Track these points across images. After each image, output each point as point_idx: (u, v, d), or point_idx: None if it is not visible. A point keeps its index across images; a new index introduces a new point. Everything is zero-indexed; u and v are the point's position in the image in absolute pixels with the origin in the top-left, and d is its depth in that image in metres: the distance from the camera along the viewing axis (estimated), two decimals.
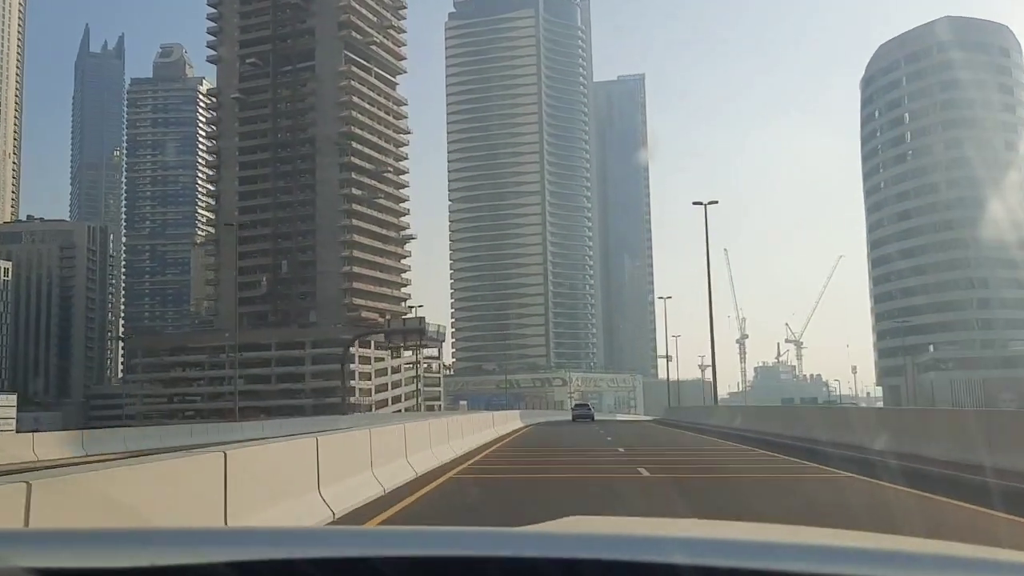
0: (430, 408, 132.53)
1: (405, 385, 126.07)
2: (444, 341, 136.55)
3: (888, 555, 1.33)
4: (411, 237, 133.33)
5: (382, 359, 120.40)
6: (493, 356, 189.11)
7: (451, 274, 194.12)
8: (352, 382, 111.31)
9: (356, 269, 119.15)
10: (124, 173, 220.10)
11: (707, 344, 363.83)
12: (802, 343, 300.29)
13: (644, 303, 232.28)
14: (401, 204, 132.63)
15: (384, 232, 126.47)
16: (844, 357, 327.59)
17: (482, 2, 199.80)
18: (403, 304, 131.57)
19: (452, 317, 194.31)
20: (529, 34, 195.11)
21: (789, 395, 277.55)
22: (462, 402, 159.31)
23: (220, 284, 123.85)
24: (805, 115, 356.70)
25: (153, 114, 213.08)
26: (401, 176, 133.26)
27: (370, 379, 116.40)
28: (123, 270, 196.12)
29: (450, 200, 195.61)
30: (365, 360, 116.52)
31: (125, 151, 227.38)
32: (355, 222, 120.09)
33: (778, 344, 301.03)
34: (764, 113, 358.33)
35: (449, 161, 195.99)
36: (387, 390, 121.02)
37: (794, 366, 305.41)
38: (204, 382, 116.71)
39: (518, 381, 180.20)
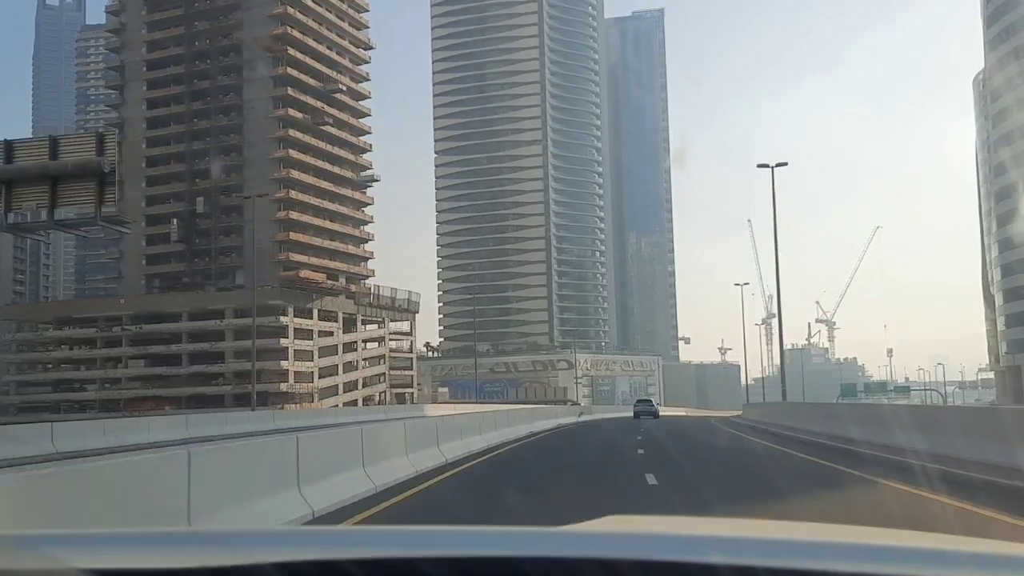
0: (400, 398, 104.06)
1: (363, 368, 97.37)
2: (418, 312, 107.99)
3: (929, 554, 1.31)
4: (373, 179, 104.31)
5: (331, 334, 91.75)
6: (487, 335, 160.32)
7: (437, 239, 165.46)
8: (285, 363, 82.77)
9: (295, 215, 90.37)
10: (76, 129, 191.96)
11: (732, 325, 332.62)
12: (834, 323, 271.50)
13: (663, 277, 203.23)
14: (361, 138, 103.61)
15: (335, 170, 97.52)
16: (881, 338, 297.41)
17: None
18: (363, 265, 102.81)
19: (439, 289, 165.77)
20: None
21: (828, 382, 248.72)
22: (442, 389, 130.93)
23: (122, 239, 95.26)
24: (837, 77, 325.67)
25: (105, 64, 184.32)
26: (361, 102, 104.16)
27: (312, 359, 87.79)
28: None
29: (436, 151, 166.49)
30: (305, 334, 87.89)
31: (74, 107, 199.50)
32: (293, 154, 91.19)
33: (808, 324, 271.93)
34: (800, 68, 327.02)
35: (435, 106, 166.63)
36: (337, 374, 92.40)
37: (826, 348, 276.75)
38: (96, 364, 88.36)
39: (515, 364, 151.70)
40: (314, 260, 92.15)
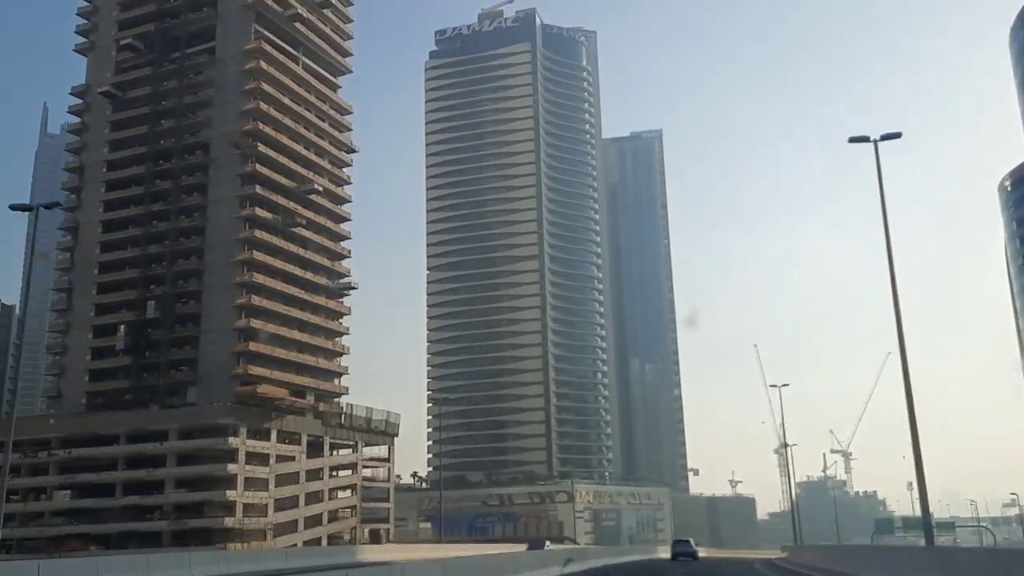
0: (374, 536, 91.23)
1: (331, 499, 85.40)
2: (396, 435, 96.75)
3: None
4: (350, 287, 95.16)
5: (292, 459, 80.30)
6: (480, 463, 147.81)
7: (428, 359, 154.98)
8: (233, 494, 71.27)
9: (258, 324, 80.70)
10: None
11: (739, 456, 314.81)
12: (850, 453, 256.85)
13: (669, 402, 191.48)
14: (340, 243, 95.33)
15: (307, 276, 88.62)
16: (900, 470, 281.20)
17: (468, 38, 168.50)
18: (336, 381, 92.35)
19: (428, 413, 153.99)
20: (524, 71, 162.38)
21: (848, 517, 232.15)
22: (424, 525, 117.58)
23: (67, 352, 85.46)
24: (840, 199, 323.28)
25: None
26: (342, 206, 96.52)
27: (267, 489, 76.02)
28: None
29: (428, 268, 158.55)
30: (261, 460, 76.59)
31: None
32: (259, 256, 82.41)
33: (824, 455, 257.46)
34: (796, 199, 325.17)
35: (428, 221, 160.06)
36: (298, 506, 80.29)
37: (844, 480, 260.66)
38: (18, 496, 76.46)
39: (511, 496, 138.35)
40: (277, 374, 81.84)
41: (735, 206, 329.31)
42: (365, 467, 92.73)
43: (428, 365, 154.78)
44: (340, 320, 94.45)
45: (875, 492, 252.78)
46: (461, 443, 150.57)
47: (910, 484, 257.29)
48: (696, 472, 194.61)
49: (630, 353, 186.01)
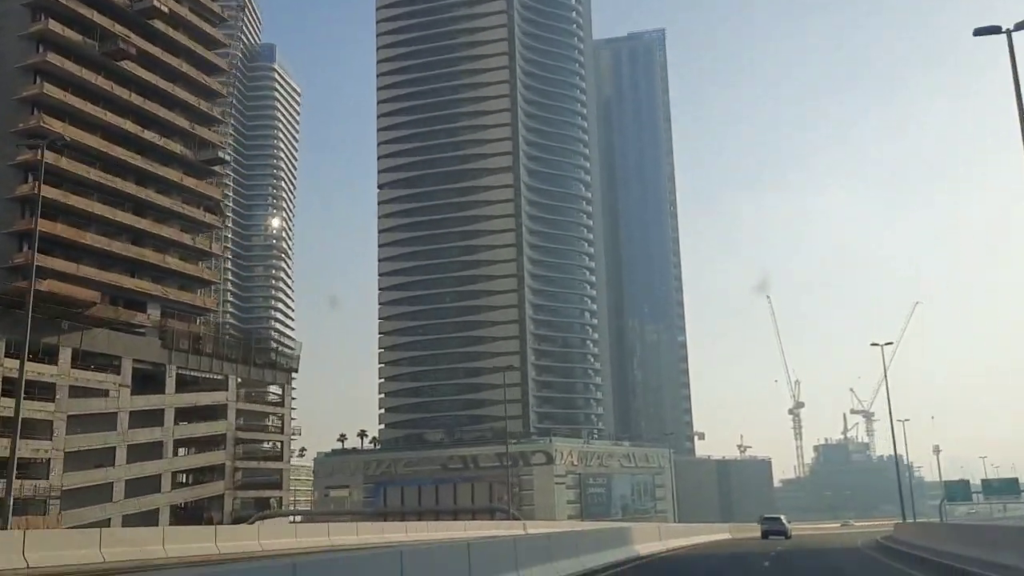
0: (263, 505, 64.76)
1: (185, 455, 58.89)
2: (295, 370, 69.87)
3: None
4: (219, 161, 67.86)
5: (105, 394, 53.54)
6: (442, 421, 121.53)
7: (380, 295, 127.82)
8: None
9: (55, 193, 53.59)
10: None
11: (749, 415, 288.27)
12: (873, 414, 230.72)
13: (672, 351, 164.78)
14: (211, 104, 67.95)
15: (150, 139, 61.41)
16: (930, 432, 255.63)
17: None
18: (205, 293, 65.40)
19: (381, 361, 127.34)
20: None
21: (871, 480, 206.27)
22: (337, 493, 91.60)
23: None
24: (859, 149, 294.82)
25: None
26: (215, 51, 68.89)
27: (50, 436, 49.25)
28: None
29: (379, 186, 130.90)
30: (46, 390, 49.81)
31: None
32: (58, 95, 55.25)
33: (844, 415, 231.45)
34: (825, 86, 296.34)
35: (380, 129, 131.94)
36: (114, 464, 53.70)
37: (866, 443, 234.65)
38: None
39: (476, 458, 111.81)
40: (90, 271, 54.95)
41: (751, 126, 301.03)
42: (246, 408, 66.08)
43: (380, 303, 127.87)
44: (212, 211, 67.36)
45: (901, 456, 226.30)
46: (420, 396, 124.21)
47: (936, 447, 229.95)
48: (702, 436, 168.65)
49: (626, 295, 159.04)
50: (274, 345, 69.85)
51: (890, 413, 40.51)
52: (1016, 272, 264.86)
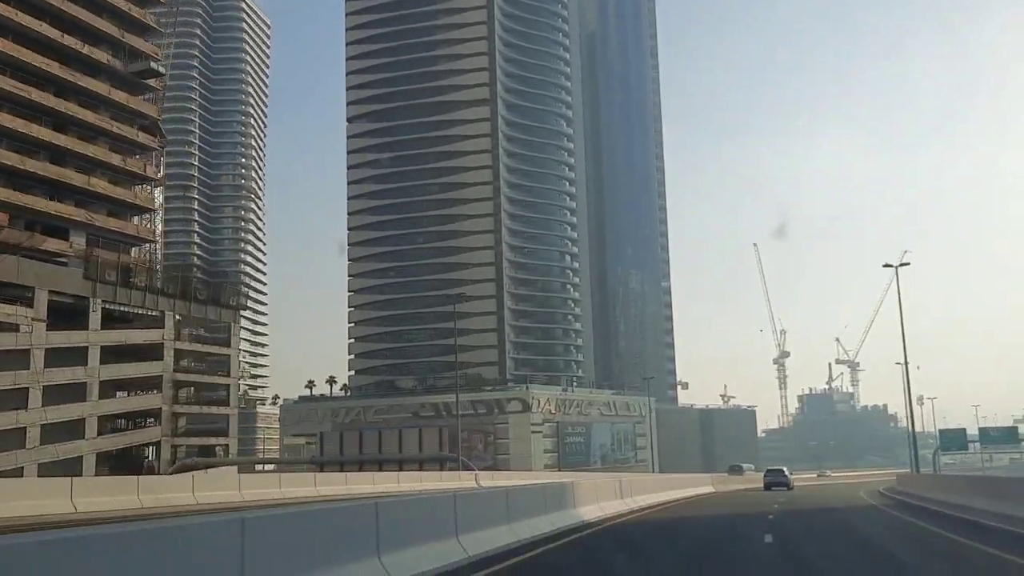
0: (207, 453, 59.40)
1: (113, 399, 53.28)
2: (243, 308, 64.20)
3: None
4: (154, 74, 60.94)
5: (15, 329, 47.65)
6: (413, 367, 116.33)
7: (349, 236, 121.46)
8: None
9: None
10: None
11: (734, 366, 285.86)
12: (858, 364, 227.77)
13: (656, 297, 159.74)
14: (144, 9, 60.80)
15: (71, 45, 54.53)
16: (915, 382, 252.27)
17: None
18: (137, 220, 59.12)
19: (350, 304, 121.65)
20: None
21: (855, 430, 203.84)
22: (291, 440, 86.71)
23: None
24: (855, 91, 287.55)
25: None
26: None
27: None
28: None
29: (349, 119, 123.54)
30: None
31: None
32: None
33: (829, 365, 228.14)
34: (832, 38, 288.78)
35: (349, 58, 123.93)
36: (27, 407, 47.98)
37: (851, 393, 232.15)
38: None
39: (448, 405, 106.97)
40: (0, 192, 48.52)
41: (741, 73, 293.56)
42: (190, 347, 60.29)
43: (350, 244, 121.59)
44: (149, 131, 60.60)
45: (885, 406, 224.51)
46: (391, 341, 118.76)
47: (921, 398, 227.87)
48: (685, 386, 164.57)
49: (609, 240, 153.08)
50: (222, 280, 63.71)
51: (905, 357, 35.24)
52: (1001, 223, 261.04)
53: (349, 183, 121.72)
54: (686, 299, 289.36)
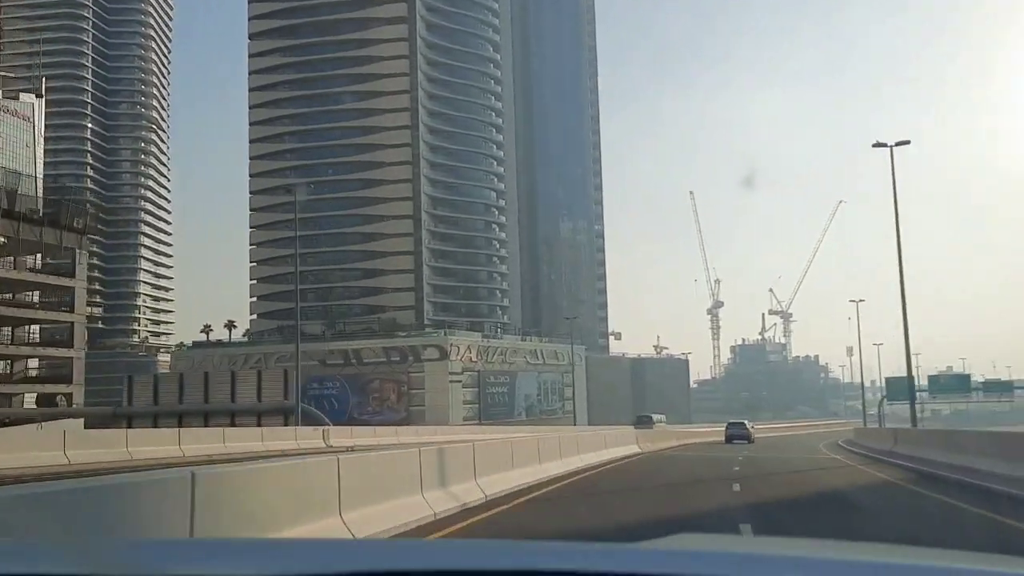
0: (48, 401, 48.94)
1: None
2: (84, 231, 53.31)
3: None
4: None
5: None
6: (322, 311, 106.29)
7: (251, 166, 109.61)
8: None
9: None
10: None
11: (668, 317, 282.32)
12: (791, 315, 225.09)
13: (589, 241, 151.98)
14: None
15: None
16: (844, 333, 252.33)
17: None
18: None
19: (252, 242, 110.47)
20: None
21: (788, 381, 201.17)
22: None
23: None
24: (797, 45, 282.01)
25: None
26: None
27: None
28: None
29: (251, 35, 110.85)
30: None
31: None
32: None
33: (762, 316, 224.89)
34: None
35: None
36: None
37: (783, 343, 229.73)
38: None
39: (359, 352, 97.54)
40: None
41: (680, 21, 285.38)
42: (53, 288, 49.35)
43: (251, 174, 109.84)
44: None
45: (816, 357, 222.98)
46: (293, 283, 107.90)
47: (850, 349, 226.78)
48: (618, 336, 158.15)
49: (540, 181, 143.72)
50: (61, 197, 52.73)
51: (904, 299, 27.07)
52: (938, 174, 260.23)
53: (251, 107, 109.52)
54: (621, 249, 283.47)
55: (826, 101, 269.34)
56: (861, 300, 58.07)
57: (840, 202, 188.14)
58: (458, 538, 7.84)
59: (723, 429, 50.13)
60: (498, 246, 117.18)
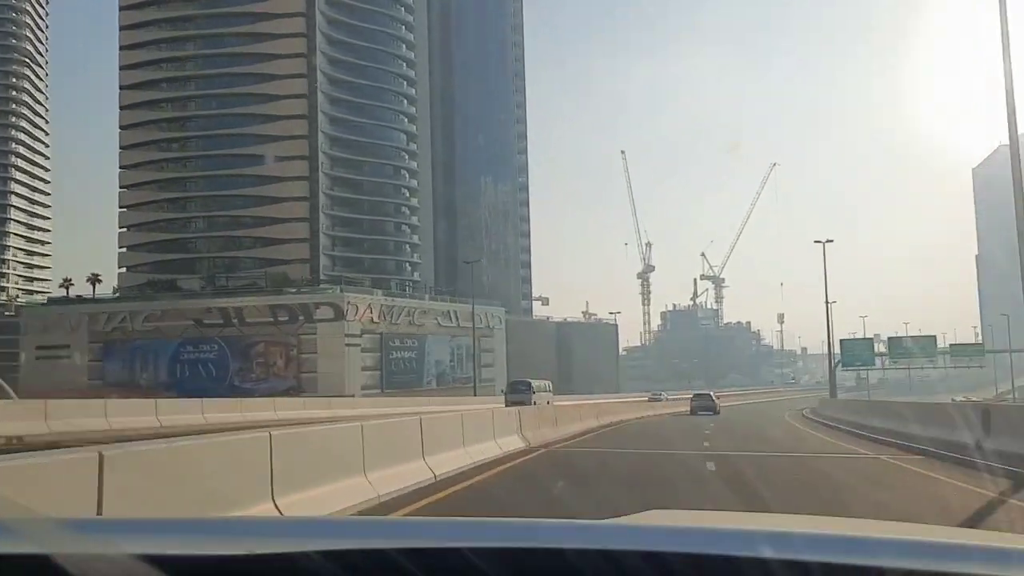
0: None
1: None
2: None
3: (993, 552, 1.25)
4: None
5: None
6: (202, 265, 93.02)
7: (121, 96, 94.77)
8: None
9: None
10: None
11: (597, 282, 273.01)
12: (723, 280, 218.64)
13: (511, 195, 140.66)
14: None
15: None
16: (776, 300, 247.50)
17: None
18: None
19: (122, 184, 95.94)
20: None
21: (719, 347, 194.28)
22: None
23: None
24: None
25: None
26: None
27: None
28: None
29: None
30: None
31: None
32: None
33: (694, 281, 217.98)
34: None
35: None
36: None
37: (715, 309, 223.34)
38: None
39: (241, 311, 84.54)
40: None
41: None
42: None
43: (121, 107, 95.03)
44: None
45: (748, 323, 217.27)
46: (174, 231, 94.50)
47: (781, 316, 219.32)
48: (545, 301, 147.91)
49: (458, 129, 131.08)
50: None
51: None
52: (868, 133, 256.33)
53: (121, 28, 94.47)
54: (550, 213, 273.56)
55: (759, 62, 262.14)
56: (830, 240, 48.32)
57: (774, 164, 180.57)
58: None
59: (649, 399, 47.66)
60: (408, 194, 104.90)
